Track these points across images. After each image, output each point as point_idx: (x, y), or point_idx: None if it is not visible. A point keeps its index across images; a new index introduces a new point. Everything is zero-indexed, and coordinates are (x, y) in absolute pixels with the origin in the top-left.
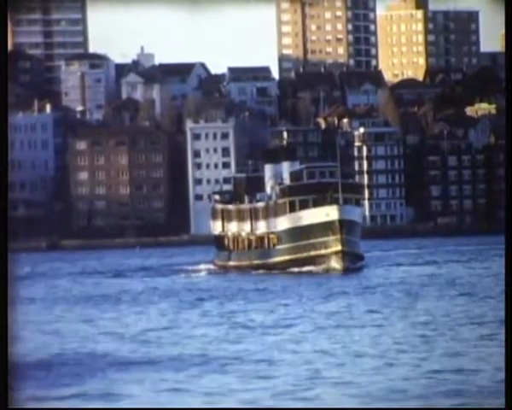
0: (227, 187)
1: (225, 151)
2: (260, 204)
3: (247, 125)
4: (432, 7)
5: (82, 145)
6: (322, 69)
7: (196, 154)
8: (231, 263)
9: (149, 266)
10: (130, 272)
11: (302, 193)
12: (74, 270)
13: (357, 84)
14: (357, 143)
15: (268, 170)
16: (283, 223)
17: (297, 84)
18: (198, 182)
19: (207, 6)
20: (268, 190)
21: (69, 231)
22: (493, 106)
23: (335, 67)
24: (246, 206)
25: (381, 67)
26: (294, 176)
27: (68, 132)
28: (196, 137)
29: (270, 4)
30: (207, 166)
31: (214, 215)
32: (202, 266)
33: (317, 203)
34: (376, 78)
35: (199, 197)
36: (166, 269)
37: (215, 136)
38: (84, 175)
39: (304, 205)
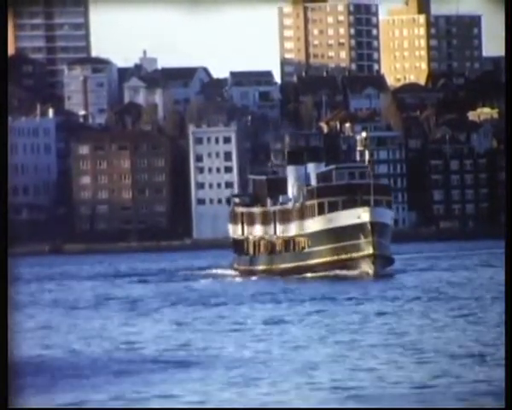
0: (228, 191)
1: (227, 155)
2: (285, 206)
3: (249, 129)
4: (434, 11)
5: (84, 149)
6: (325, 73)
7: (198, 158)
8: (254, 267)
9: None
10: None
11: (331, 195)
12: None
13: (360, 88)
14: (359, 148)
15: (291, 172)
16: (312, 225)
17: (299, 88)
18: (200, 186)
19: (209, 10)
20: (291, 192)
21: (72, 235)
22: (496, 110)
23: (338, 72)
24: (269, 208)
25: (384, 71)
26: (322, 177)
27: (71, 137)
28: (198, 141)
29: (273, 9)
30: (209, 170)
31: (234, 219)
32: (219, 271)
33: (347, 205)
34: (378, 82)
35: (201, 201)
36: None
37: (217, 140)
38: (86, 179)
39: (333, 207)
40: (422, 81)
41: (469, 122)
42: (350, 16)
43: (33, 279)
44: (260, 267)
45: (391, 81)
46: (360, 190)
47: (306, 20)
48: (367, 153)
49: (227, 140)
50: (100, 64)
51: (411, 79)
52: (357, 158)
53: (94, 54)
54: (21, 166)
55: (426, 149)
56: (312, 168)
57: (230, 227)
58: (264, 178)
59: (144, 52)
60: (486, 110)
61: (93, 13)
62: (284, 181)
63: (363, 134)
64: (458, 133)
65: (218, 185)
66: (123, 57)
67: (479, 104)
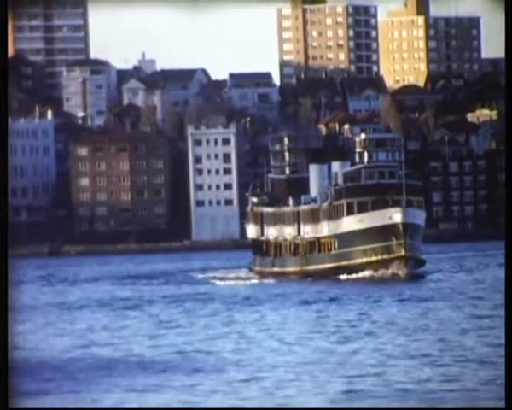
0: (227, 193)
1: (226, 157)
2: (310, 206)
3: (248, 131)
4: (433, 13)
5: (83, 151)
6: (324, 75)
7: (197, 160)
8: (277, 269)
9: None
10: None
11: (360, 195)
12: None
13: (359, 90)
14: (358, 149)
15: (314, 171)
16: (340, 226)
17: (298, 90)
18: (199, 188)
19: (209, 12)
20: (314, 191)
21: (71, 237)
22: (495, 112)
23: (337, 73)
24: (291, 209)
25: (383, 73)
26: (350, 176)
27: (70, 138)
28: (197, 142)
29: (272, 10)
30: (208, 172)
31: (252, 219)
32: (242, 274)
33: (377, 205)
34: (377, 84)
35: (200, 203)
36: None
37: (216, 142)
38: (85, 181)
39: (362, 207)
40: (421, 83)
41: (468, 124)
42: (349, 18)
43: (33, 281)
44: (284, 269)
45: (390, 83)
46: (391, 190)
47: (305, 22)
48: (366, 154)
49: (226, 142)
50: (99, 66)
51: (410, 80)
52: (357, 160)
53: (93, 56)
54: (20, 168)
55: (425, 151)
56: (338, 167)
57: (248, 227)
58: (284, 177)
59: (143, 54)
60: (485, 112)
61: (92, 15)
62: (306, 180)
63: (362, 136)
64: (457, 135)
65: (217, 187)
66: (122, 59)
67: (478, 106)
